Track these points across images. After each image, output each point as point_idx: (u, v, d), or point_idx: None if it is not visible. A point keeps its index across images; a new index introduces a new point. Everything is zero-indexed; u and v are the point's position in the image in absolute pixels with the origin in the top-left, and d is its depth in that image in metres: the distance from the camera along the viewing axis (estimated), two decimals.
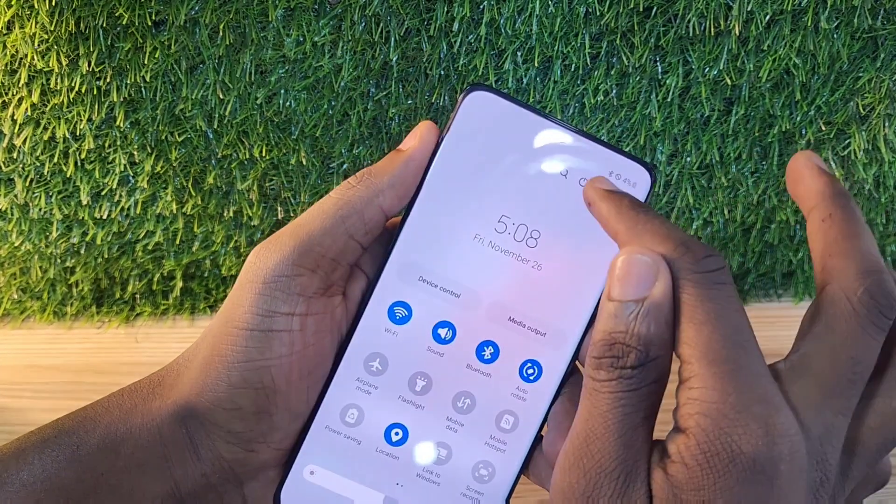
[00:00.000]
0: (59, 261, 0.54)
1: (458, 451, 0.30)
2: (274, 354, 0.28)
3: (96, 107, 0.45)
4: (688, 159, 0.48)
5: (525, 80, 0.45)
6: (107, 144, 0.47)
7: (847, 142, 0.48)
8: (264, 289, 0.28)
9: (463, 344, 0.30)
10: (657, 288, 0.24)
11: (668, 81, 0.45)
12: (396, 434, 0.30)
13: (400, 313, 0.30)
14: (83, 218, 0.50)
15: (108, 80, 0.44)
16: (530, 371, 0.30)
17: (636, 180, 0.30)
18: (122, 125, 0.45)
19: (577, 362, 0.30)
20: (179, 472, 0.28)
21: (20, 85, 0.44)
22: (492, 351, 0.30)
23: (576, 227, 0.30)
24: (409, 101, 0.45)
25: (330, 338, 0.30)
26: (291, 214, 0.51)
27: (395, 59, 0.44)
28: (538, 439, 0.30)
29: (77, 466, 0.27)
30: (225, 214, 0.51)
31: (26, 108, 0.44)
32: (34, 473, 0.26)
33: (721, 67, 0.44)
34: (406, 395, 0.30)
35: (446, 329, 0.30)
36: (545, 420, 0.30)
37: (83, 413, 0.28)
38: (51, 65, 0.43)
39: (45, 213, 0.50)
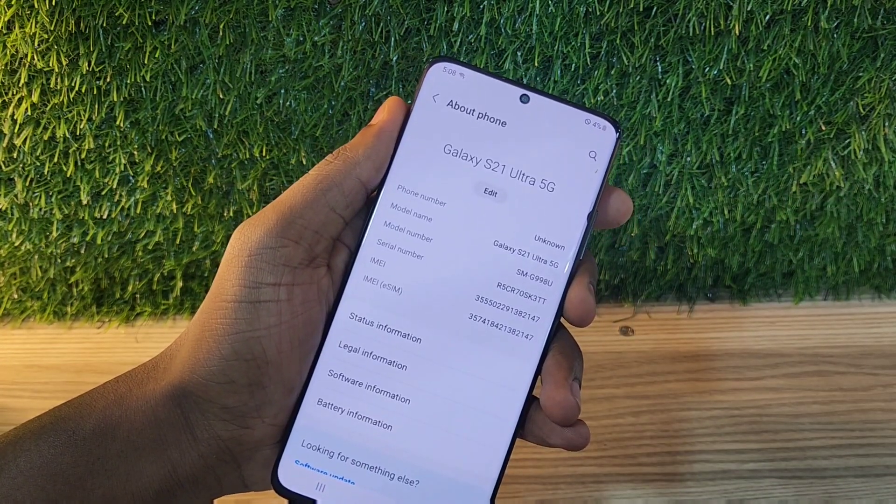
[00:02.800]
0: (59, 261, 0.54)
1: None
2: (263, 325, 0.28)
3: (96, 107, 0.45)
4: (688, 159, 0.48)
5: (525, 80, 0.45)
6: (107, 144, 0.47)
7: (847, 141, 0.48)
8: (250, 261, 0.28)
9: (449, 309, 0.30)
10: None
11: (668, 81, 0.45)
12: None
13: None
14: (83, 218, 0.50)
15: (108, 79, 0.44)
16: (522, 329, 0.30)
17: (603, 136, 0.31)
18: (122, 125, 0.45)
19: (562, 319, 0.31)
20: (176, 453, 0.28)
21: (20, 85, 0.44)
22: (480, 313, 0.30)
23: (546, 180, 0.31)
24: (410, 101, 0.45)
25: (318, 308, 0.30)
26: None
27: (395, 58, 0.44)
28: (529, 401, 0.30)
29: (73, 451, 0.27)
30: (225, 214, 0.51)
31: (26, 108, 0.44)
32: (31, 460, 0.26)
33: (721, 67, 0.44)
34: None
35: (428, 293, 0.30)
36: (535, 381, 0.30)
37: (79, 400, 0.29)
38: (51, 65, 0.43)
39: (45, 212, 0.50)
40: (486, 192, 0.31)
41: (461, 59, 0.44)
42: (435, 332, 0.30)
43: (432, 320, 0.30)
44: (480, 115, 0.31)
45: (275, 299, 0.28)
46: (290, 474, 0.29)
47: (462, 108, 0.31)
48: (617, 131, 0.31)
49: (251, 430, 0.29)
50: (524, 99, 0.31)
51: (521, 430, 0.30)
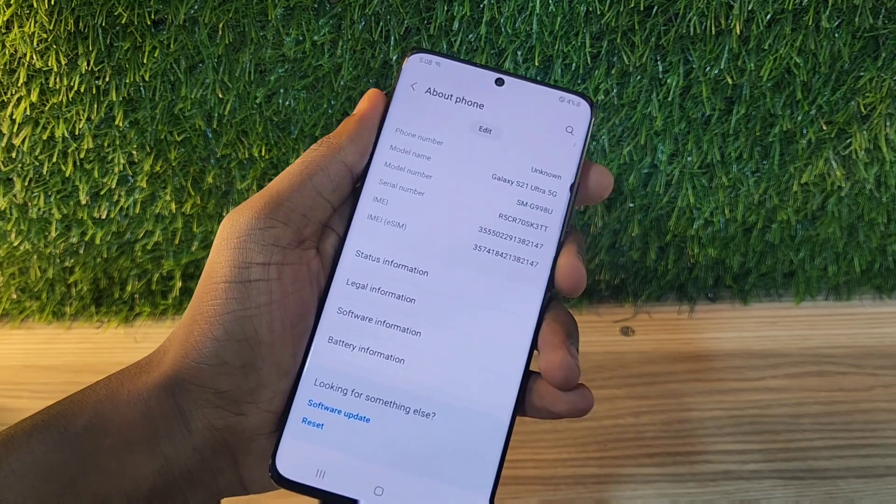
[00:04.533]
0: (57, 261, 0.54)
1: (448, 399, 0.30)
2: (254, 304, 0.28)
3: (95, 106, 0.45)
4: (689, 159, 0.48)
5: None
6: (106, 144, 0.46)
7: (848, 141, 0.47)
8: (239, 243, 0.29)
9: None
10: None
11: (668, 81, 0.45)
12: None
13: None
14: (82, 218, 0.50)
15: (107, 79, 0.44)
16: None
17: (578, 111, 0.32)
18: (121, 125, 0.45)
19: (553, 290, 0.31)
20: (169, 448, 0.28)
21: (19, 84, 0.44)
22: (470, 282, 0.30)
23: (527, 160, 0.31)
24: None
25: (310, 289, 0.30)
26: None
27: (395, 58, 0.44)
28: (527, 374, 0.30)
29: (65, 449, 0.27)
30: (224, 214, 0.51)
31: (25, 108, 0.44)
32: (23, 459, 0.26)
33: (722, 67, 0.44)
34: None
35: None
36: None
37: (71, 398, 0.28)
38: (50, 64, 0.43)
39: (43, 212, 0.50)
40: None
41: (461, 58, 0.44)
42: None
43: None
44: (459, 100, 0.32)
45: (265, 278, 0.29)
46: (289, 463, 0.29)
47: (440, 94, 0.32)
48: (591, 106, 0.32)
49: (246, 416, 0.29)
50: (499, 82, 0.32)
51: (522, 407, 0.30)
